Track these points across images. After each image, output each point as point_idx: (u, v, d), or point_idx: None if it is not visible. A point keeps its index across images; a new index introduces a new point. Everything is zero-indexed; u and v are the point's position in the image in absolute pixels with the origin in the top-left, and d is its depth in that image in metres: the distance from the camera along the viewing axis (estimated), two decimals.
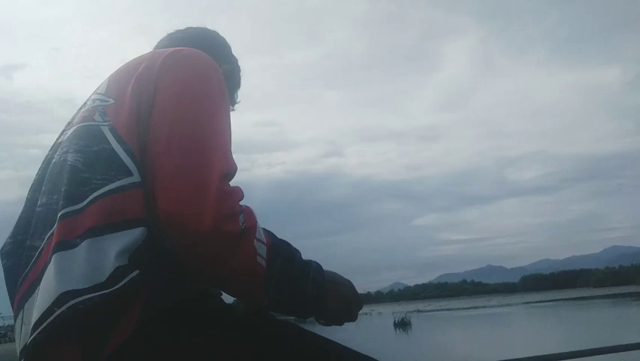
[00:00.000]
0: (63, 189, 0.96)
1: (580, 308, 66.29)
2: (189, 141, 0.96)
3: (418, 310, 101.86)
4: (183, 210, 0.90)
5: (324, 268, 1.08)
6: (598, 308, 62.18)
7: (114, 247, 0.89)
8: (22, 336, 0.91)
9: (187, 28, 1.36)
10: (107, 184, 0.94)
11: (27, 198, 1.07)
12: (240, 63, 1.42)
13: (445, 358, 23.49)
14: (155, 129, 0.98)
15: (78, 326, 0.86)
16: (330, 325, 1.10)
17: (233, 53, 1.41)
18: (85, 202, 0.93)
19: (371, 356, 1.08)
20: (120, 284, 0.87)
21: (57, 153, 1.06)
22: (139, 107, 1.00)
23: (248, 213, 0.96)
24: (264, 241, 0.97)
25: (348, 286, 1.11)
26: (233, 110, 1.36)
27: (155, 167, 0.95)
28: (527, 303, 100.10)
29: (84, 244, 0.89)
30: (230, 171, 0.97)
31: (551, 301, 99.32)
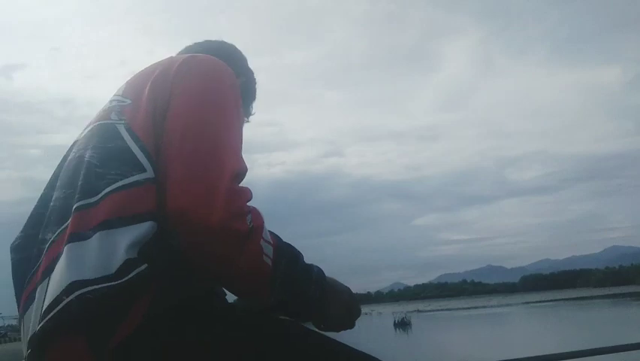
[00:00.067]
0: (79, 183, 0.99)
1: (580, 308, 66.32)
2: (202, 141, 0.98)
3: (418, 310, 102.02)
4: (193, 206, 0.91)
5: (325, 268, 1.09)
6: (598, 308, 62.22)
7: (125, 240, 0.91)
8: (32, 325, 0.92)
9: (205, 41, 1.39)
10: (122, 179, 0.96)
11: (40, 195, 1.10)
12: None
13: (445, 358, 23.51)
14: (168, 133, 1.00)
15: (85, 316, 0.87)
16: (329, 331, 1.11)
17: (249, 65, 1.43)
18: (99, 196, 0.95)
19: (374, 356, 1.08)
20: (128, 277, 0.88)
21: (73, 151, 1.09)
22: (155, 110, 1.03)
23: (255, 213, 0.98)
24: (270, 241, 0.99)
25: (348, 293, 1.13)
26: (247, 121, 1.40)
27: (168, 166, 0.97)
28: (527, 303, 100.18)
29: (96, 236, 0.91)
30: (241, 171, 0.99)
31: (551, 301, 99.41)
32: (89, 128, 1.10)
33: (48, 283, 0.91)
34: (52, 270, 0.92)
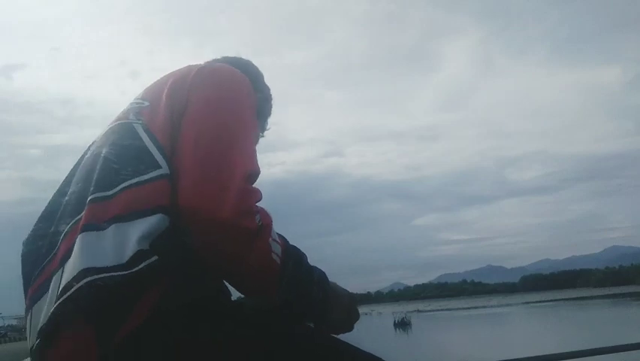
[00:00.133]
0: (94, 177, 1.02)
1: (580, 308, 66.37)
2: (216, 143, 1.01)
3: (418, 310, 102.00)
4: (204, 204, 0.94)
5: (325, 268, 1.12)
6: (598, 308, 62.27)
7: (137, 232, 0.93)
8: (43, 317, 0.94)
9: (223, 57, 1.42)
10: (137, 176, 0.99)
11: (56, 191, 1.12)
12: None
13: (445, 358, 23.52)
14: (184, 135, 1.03)
15: (94, 304, 0.88)
16: (329, 333, 1.13)
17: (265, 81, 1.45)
18: (115, 190, 0.98)
19: (379, 356, 1.09)
20: (139, 267, 0.90)
21: (91, 149, 1.13)
22: (172, 115, 1.06)
23: (264, 213, 1.01)
24: (278, 241, 1.03)
25: (349, 297, 1.16)
26: (262, 136, 1.44)
27: (182, 165, 1.00)
28: (527, 303, 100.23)
29: (110, 228, 0.94)
30: (254, 172, 1.01)
31: (551, 301, 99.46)
32: (107, 129, 1.14)
33: (62, 272, 0.94)
34: (68, 259, 0.94)
